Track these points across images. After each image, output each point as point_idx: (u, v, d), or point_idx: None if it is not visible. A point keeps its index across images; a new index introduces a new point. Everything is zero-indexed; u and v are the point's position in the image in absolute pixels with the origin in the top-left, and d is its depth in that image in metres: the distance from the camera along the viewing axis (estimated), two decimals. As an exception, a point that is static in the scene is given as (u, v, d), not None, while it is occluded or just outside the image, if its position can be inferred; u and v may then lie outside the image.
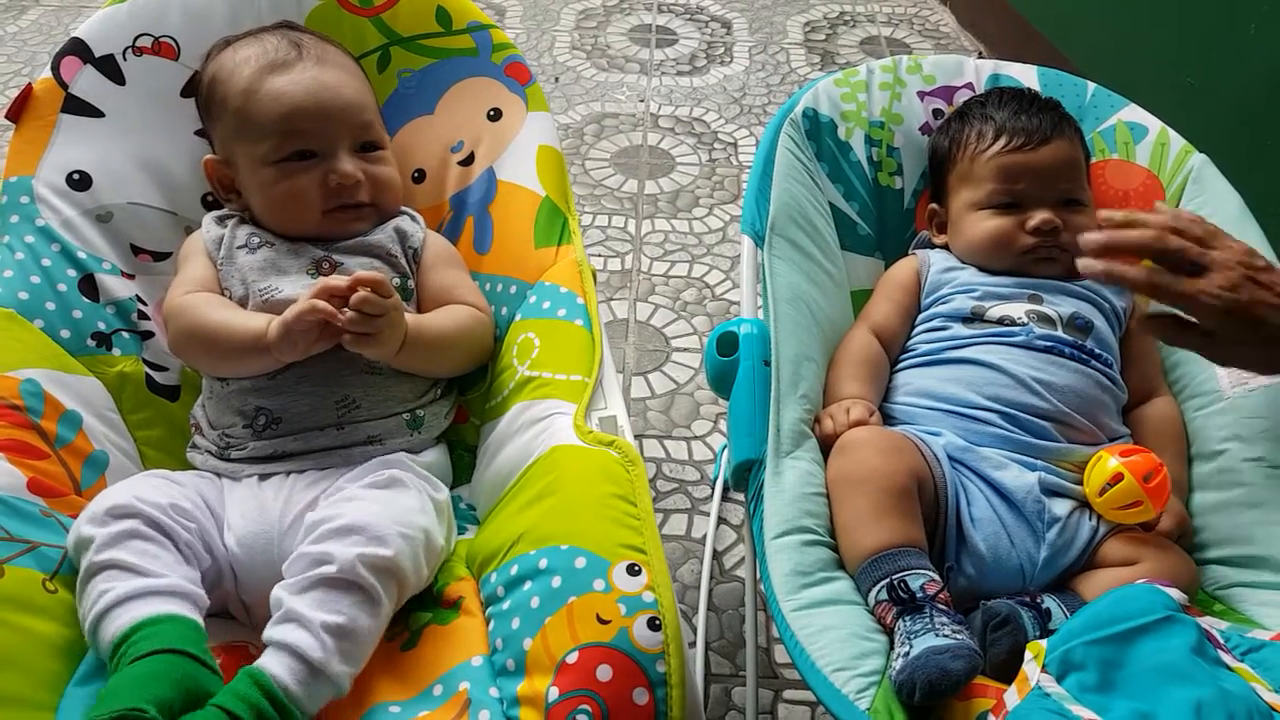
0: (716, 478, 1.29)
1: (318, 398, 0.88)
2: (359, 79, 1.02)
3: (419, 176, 1.10)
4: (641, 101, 2.19)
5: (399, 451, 0.89)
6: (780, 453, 0.87)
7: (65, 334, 0.91)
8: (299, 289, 0.91)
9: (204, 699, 0.67)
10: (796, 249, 0.99)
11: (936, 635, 0.72)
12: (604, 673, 0.65)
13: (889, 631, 0.77)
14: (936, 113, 1.11)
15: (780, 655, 1.14)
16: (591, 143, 2.04)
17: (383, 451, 0.89)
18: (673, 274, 1.71)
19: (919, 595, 0.75)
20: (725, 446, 1.33)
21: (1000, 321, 0.96)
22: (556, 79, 2.25)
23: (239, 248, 0.95)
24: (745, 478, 0.88)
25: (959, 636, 0.72)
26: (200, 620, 0.73)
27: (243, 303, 0.92)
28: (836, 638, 0.74)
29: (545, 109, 1.09)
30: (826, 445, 0.89)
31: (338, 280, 0.84)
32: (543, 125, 1.07)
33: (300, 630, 0.69)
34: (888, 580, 0.77)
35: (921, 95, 1.12)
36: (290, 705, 0.68)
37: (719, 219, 1.84)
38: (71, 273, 0.94)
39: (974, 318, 0.97)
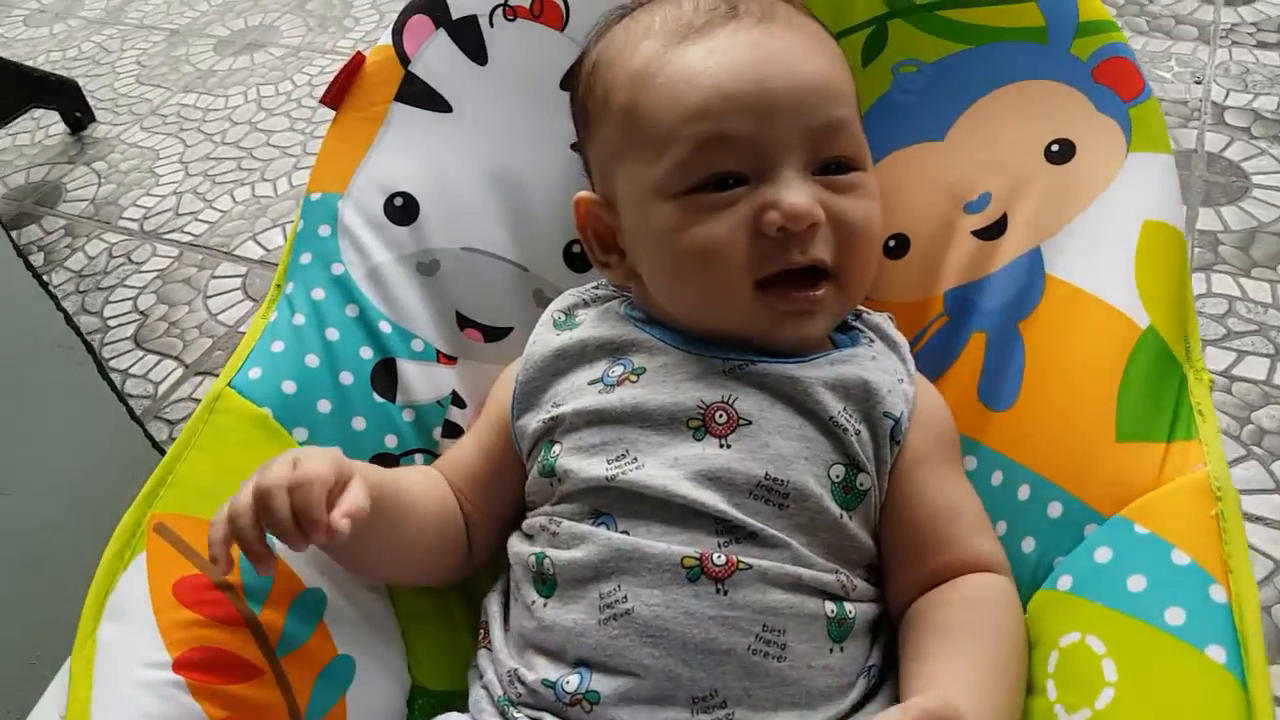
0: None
1: (668, 683, 0.49)
2: (830, 53, 0.58)
3: (897, 245, 0.64)
4: (1198, 83, 1.53)
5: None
6: None
7: (334, 455, 0.61)
8: (666, 470, 0.52)
9: None
10: None
11: None
12: None
13: None
14: None
15: None
16: (1117, 142, 1.43)
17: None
18: (1240, 373, 1.10)
19: None
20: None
21: None
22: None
23: (591, 382, 0.57)
24: None
25: None
26: None
27: (560, 476, 0.56)
28: None
29: (1164, 149, 0.58)
30: None
31: None
32: (1156, 180, 0.57)
33: None
34: None
35: None
36: None
37: (1327, 290, 1.18)
38: (366, 353, 0.63)
39: None
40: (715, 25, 0.55)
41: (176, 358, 1.26)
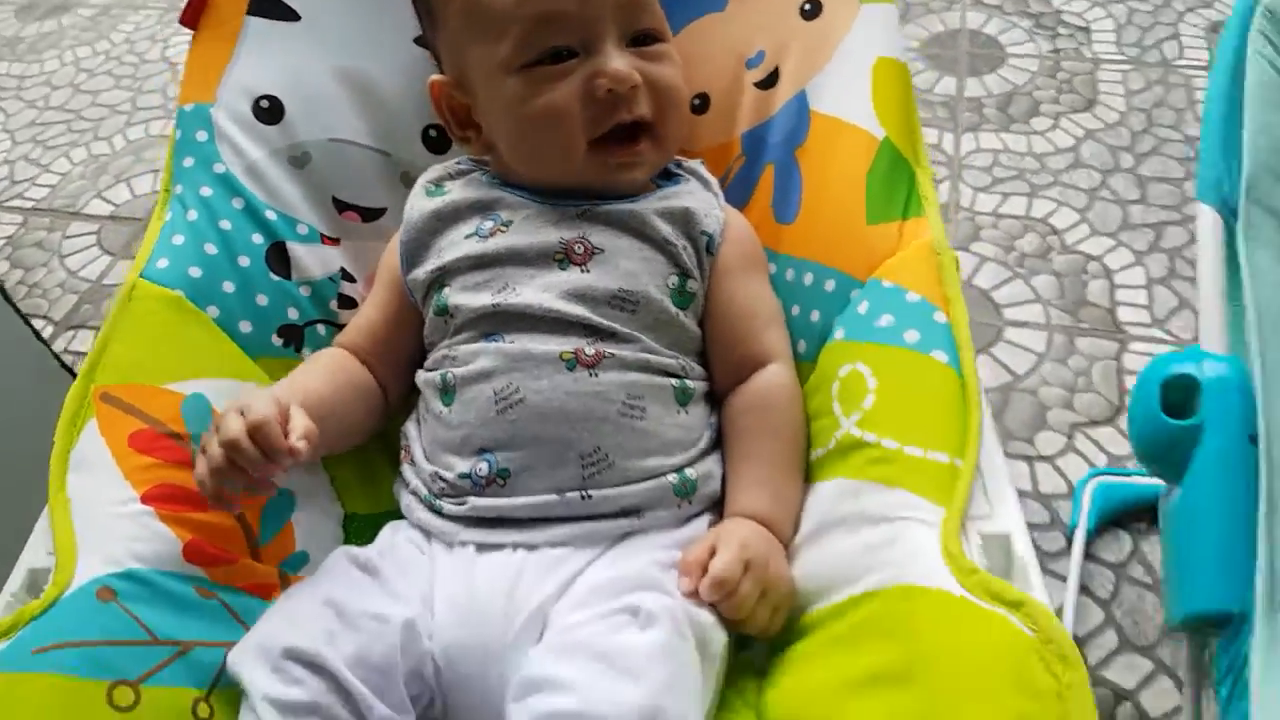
0: (1075, 526, 0.94)
1: (560, 447, 0.62)
2: None
3: (700, 103, 0.79)
4: (960, -31, 1.73)
5: (662, 531, 0.63)
6: (1277, 607, 0.52)
7: (246, 327, 0.70)
8: (541, 293, 0.65)
9: None
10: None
11: None
12: None
13: None
14: None
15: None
16: (894, 27, 1.62)
17: (640, 527, 0.63)
18: (1005, 211, 1.31)
19: None
20: (1093, 477, 0.97)
21: None
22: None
23: (467, 236, 0.69)
24: (1207, 632, 0.55)
25: None
26: None
27: (453, 311, 0.68)
28: None
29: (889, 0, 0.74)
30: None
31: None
32: (882, 26, 0.73)
33: None
34: None
35: None
36: None
37: (1068, 134, 1.40)
38: (258, 239, 0.73)
39: None
40: None
41: (44, 316, 1.29)
